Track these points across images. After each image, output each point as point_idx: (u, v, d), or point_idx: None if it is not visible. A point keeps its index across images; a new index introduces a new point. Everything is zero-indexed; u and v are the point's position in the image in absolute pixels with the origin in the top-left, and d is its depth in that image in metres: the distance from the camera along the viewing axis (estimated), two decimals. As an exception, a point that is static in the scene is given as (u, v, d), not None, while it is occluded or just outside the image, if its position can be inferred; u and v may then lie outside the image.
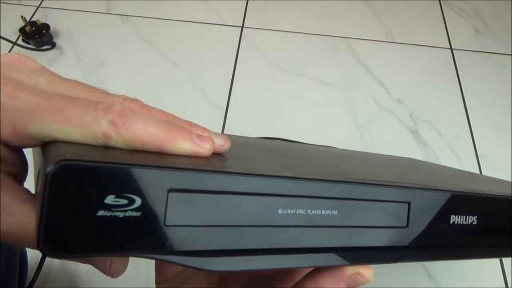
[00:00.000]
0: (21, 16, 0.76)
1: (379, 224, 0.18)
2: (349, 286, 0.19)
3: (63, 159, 0.12)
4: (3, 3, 0.85)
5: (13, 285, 0.39)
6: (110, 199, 0.12)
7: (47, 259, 0.53)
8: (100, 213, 0.12)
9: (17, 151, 0.17)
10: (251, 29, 0.86)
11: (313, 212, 0.16)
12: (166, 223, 0.14)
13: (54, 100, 0.15)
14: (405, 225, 0.19)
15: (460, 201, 0.20)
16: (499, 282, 0.57)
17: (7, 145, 0.16)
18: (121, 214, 0.13)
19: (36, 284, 0.48)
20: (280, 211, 0.16)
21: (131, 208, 0.13)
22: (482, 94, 0.79)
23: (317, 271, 0.20)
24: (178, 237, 0.14)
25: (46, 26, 0.78)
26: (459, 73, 0.82)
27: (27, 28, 0.76)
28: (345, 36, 0.87)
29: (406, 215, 0.19)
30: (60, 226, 0.12)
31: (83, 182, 0.12)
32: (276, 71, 0.79)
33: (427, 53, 0.85)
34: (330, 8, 0.92)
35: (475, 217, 0.21)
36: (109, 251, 0.13)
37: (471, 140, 0.72)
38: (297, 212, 0.16)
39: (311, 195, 0.16)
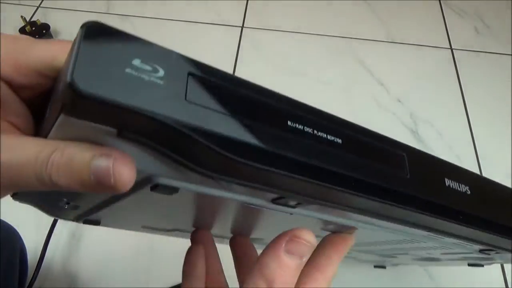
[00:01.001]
0: (21, 16, 0.76)
1: (381, 163, 0.19)
2: (292, 253, 0.19)
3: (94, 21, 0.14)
4: (3, 3, 0.85)
5: (13, 285, 0.39)
6: (137, 62, 0.14)
7: (46, 259, 0.53)
8: (128, 70, 0.13)
9: (23, 103, 0.18)
10: (251, 29, 0.86)
11: (319, 133, 0.18)
12: (187, 98, 0.15)
13: (51, 41, 0.17)
14: (407, 174, 0.20)
15: (449, 169, 0.23)
16: (499, 282, 0.57)
17: (11, 84, 0.17)
18: (146, 78, 0.14)
19: (36, 284, 0.48)
20: (289, 122, 0.17)
21: (155, 75, 0.14)
22: (482, 94, 0.79)
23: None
24: (196, 113, 0.15)
25: (46, 26, 0.78)
26: (459, 73, 0.82)
27: (27, 28, 0.76)
28: (345, 36, 0.87)
29: (406, 164, 0.20)
30: (92, 69, 0.13)
31: (114, 43, 0.13)
32: (276, 71, 0.79)
33: (427, 53, 0.85)
34: (330, 8, 0.92)
35: (468, 187, 0.22)
36: (131, 107, 0.13)
37: (471, 140, 0.72)
38: (305, 129, 0.17)
39: (317, 118, 0.18)
